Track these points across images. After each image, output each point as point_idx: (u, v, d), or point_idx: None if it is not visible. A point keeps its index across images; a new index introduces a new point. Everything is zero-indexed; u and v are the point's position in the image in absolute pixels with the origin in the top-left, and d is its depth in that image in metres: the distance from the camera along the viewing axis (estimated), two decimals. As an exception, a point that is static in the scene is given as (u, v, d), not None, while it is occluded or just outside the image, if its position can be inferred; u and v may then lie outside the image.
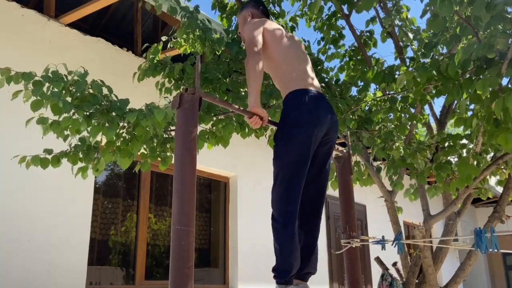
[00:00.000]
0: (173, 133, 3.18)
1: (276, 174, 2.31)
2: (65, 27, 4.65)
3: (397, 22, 3.93)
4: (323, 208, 2.51)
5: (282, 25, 4.08)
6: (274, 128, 3.08)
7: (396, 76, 3.32)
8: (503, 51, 2.67)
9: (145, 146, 3.11)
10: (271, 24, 2.59)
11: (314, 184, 2.44)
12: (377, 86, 3.85)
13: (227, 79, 3.56)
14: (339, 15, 3.99)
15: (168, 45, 3.89)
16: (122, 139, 2.93)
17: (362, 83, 3.75)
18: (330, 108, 2.45)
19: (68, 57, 4.48)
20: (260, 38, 2.44)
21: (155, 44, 3.69)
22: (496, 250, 1.94)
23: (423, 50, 3.72)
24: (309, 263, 2.39)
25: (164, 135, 3.16)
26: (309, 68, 2.56)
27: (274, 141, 2.37)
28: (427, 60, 3.56)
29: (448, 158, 3.56)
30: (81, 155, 3.00)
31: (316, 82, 2.53)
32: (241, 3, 3.93)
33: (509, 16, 2.54)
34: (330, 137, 2.43)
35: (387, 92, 3.57)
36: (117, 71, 4.86)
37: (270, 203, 2.29)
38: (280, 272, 2.21)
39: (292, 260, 2.20)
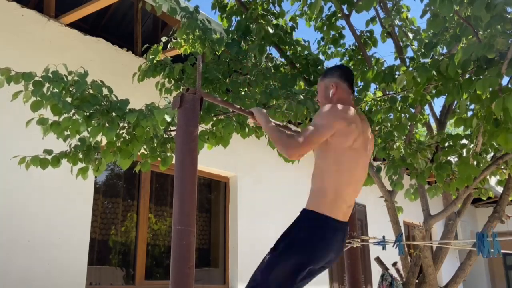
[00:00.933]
0: (173, 133, 3.18)
1: (259, 281, 2.06)
2: (65, 27, 4.65)
3: (397, 22, 3.93)
4: None
5: (282, 25, 4.08)
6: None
7: (396, 76, 3.31)
8: (503, 51, 2.67)
9: (145, 146, 3.11)
10: (351, 118, 2.20)
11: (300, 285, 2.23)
12: (377, 86, 3.85)
13: (227, 79, 3.56)
14: (339, 15, 3.99)
15: (169, 46, 3.89)
16: (122, 139, 2.93)
17: (362, 83, 3.74)
18: (344, 238, 2.22)
19: (68, 57, 4.48)
20: (323, 136, 2.13)
21: (156, 45, 3.70)
22: (497, 255, 1.95)
23: (423, 50, 3.72)
24: None
25: (164, 135, 3.16)
26: (359, 187, 2.26)
27: (274, 247, 2.14)
28: (427, 60, 3.56)
29: (448, 158, 3.56)
30: (81, 156, 3.00)
31: (350, 211, 2.23)
32: (241, 3, 3.93)
33: (509, 16, 2.54)
34: (331, 261, 2.23)
35: (387, 92, 3.57)
36: (117, 71, 4.86)
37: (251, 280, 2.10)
38: None
39: None
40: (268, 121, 2.27)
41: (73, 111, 2.64)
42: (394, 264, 4.41)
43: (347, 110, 2.22)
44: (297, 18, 4.22)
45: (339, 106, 2.23)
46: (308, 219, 2.12)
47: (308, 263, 2.08)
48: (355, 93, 2.38)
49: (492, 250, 1.85)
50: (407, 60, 3.88)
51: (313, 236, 2.08)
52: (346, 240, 2.20)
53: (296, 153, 2.08)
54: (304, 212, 2.14)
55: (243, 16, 3.89)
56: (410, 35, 4.00)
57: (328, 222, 2.09)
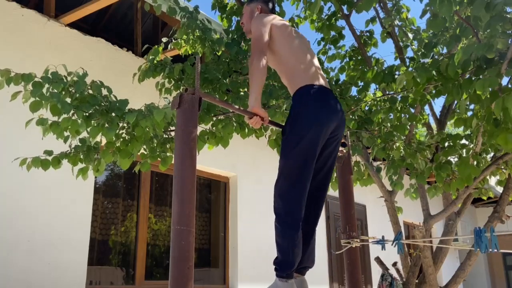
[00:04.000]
0: (173, 133, 3.18)
1: (282, 170, 2.30)
2: (65, 27, 4.65)
3: (397, 22, 3.93)
4: (324, 202, 2.52)
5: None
6: (275, 128, 3.08)
7: (396, 76, 3.32)
8: (503, 51, 2.67)
9: (145, 147, 3.11)
10: (279, 20, 2.57)
11: (317, 178, 2.44)
12: (377, 86, 3.85)
13: (227, 79, 3.56)
14: (339, 15, 3.99)
15: (169, 46, 3.90)
16: (121, 139, 2.93)
17: (362, 83, 3.75)
18: (339, 105, 2.43)
19: (68, 57, 4.48)
20: (267, 36, 2.43)
21: (156, 45, 3.70)
22: (496, 250, 1.95)
23: (423, 50, 3.72)
24: (306, 257, 2.38)
25: (164, 135, 3.16)
26: (316, 62, 2.55)
27: (283, 134, 2.36)
28: (427, 60, 3.56)
29: (448, 158, 3.56)
30: (81, 156, 3.00)
31: (323, 77, 2.51)
32: (241, 3, 3.93)
33: (509, 16, 2.54)
34: (337, 134, 2.42)
35: (387, 92, 3.57)
36: (117, 71, 4.86)
37: (273, 197, 2.28)
38: (282, 266, 2.21)
39: (295, 254, 2.20)
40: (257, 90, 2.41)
41: (72, 111, 2.63)
42: (394, 264, 4.41)
43: (273, 16, 2.58)
44: (302, 20, 4.22)
45: (264, 14, 2.63)
46: (298, 96, 2.36)
47: (317, 128, 2.26)
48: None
49: (490, 250, 1.85)
50: (407, 60, 3.88)
51: (309, 102, 2.31)
52: (342, 110, 2.42)
53: (259, 64, 2.30)
54: (293, 97, 2.40)
55: (243, 16, 3.89)
56: (410, 35, 3.99)
57: (313, 87, 2.35)
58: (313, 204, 2.45)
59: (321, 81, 2.43)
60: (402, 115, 3.73)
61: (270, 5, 2.82)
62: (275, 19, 2.57)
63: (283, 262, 2.21)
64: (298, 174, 2.25)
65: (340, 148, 2.80)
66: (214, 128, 3.35)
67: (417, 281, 3.99)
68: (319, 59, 4.09)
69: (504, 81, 2.94)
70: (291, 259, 2.20)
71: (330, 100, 2.36)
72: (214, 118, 3.30)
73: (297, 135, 2.26)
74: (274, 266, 2.25)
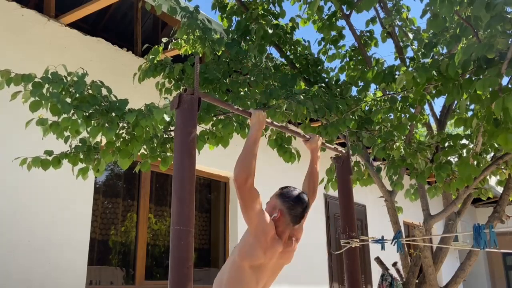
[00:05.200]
0: (172, 133, 3.18)
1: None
2: (65, 27, 4.65)
3: (397, 22, 3.93)
4: None
5: (283, 26, 4.07)
6: (275, 128, 3.08)
7: (396, 76, 3.31)
8: (503, 51, 2.67)
9: (145, 147, 3.11)
10: (273, 248, 2.23)
11: None
12: (377, 86, 3.86)
13: (227, 79, 3.55)
14: (339, 15, 3.99)
15: (169, 46, 3.89)
16: (121, 139, 2.93)
17: (362, 83, 3.75)
18: None
19: (68, 57, 4.48)
20: (253, 213, 2.21)
21: (156, 46, 3.69)
22: (494, 246, 1.95)
23: (423, 50, 3.72)
24: None
25: (164, 135, 3.16)
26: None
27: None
28: (427, 60, 3.56)
29: (448, 158, 3.56)
30: (81, 156, 2.99)
31: None
32: (241, 3, 3.93)
33: (509, 16, 2.54)
34: None
35: (387, 92, 3.57)
36: (117, 71, 4.86)
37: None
38: None
39: None
40: (258, 135, 2.23)
41: (72, 111, 2.63)
42: (394, 264, 4.41)
43: (274, 239, 2.23)
44: (305, 20, 4.21)
45: (274, 230, 2.24)
46: None
47: None
48: (306, 209, 2.34)
49: (488, 249, 1.86)
50: (407, 60, 3.88)
51: None
52: None
53: (241, 187, 2.16)
54: None
55: (243, 16, 3.89)
56: (410, 35, 3.99)
57: None
58: None
59: None
60: (402, 115, 3.73)
61: (295, 217, 2.31)
62: (274, 239, 2.23)
63: None
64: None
65: (340, 148, 2.79)
66: (214, 128, 3.35)
67: (417, 281, 3.99)
68: (320, 59, 4.09)
69: (504, 81, 2.92)
70: None
71: None
72: (214, 118, 3.30)
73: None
74: None
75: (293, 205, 2.30)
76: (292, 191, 2.34)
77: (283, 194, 2.35)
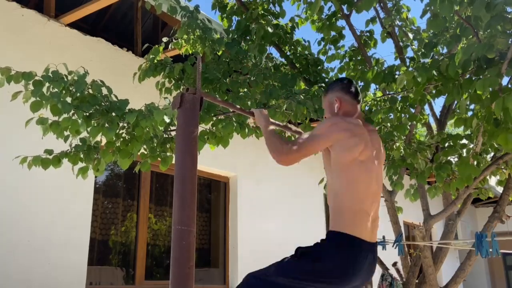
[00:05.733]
0: (173, 133, 3.18)
1: (267, 275, 1.99)
2: (65, 27, 4.65)
3: (397, 22, 3.93)
4: None
5: (282, 26, 4.07)
6: (275, 128, 3.07)
7: (396, 76, 3.31)
8: (503, 51, 2.67)
9: (145, 146, 3.11)
10: (353, 129, 2.11)
11: None
12: (377, 86, 3.85)
13: (227, 79, 3.56)
14: (339, 15, 3.99)
15: (169, 46, 3.89)
16: (122, 139, 2.93)
17: (362, 83, 3.74)
18: (374, 261, 2.08)
19: (68, 57, 4.48)
20: (320, 146, 2.07)
21: (156, 45, 3.69)
22: (496, 255, 1.95)
23: (423, 50, 3.72)
24: None
25: (164, 135, 3.16)
26: (377, 205, 2.14)
27: (297, 251, 2.01)
28: (427, 60, 3.56)
29: (448, 158, 3.56)
30: (81, 156, 3.00)
31: (375, 228, 2.11)
32: (241, 3, 3.93)
33: (509, 16, 2.54)
34: (358, 285, 2.07)
35: (387, 92, 3.57)
36: (117, 71, 4.86)
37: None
38: None
39: None
40: (268, 124, 2.21)
41: (72, 111, 2.63)
42: (394, 264, 4.41)
43: (350, 122, 2.13)
44: (303, 21, 4.21)
45: (341, 119, 2.15)
46: (333, 241, 1.99)
47: (335, 285, 1.95)
48: (361, 101, 2.32)
49: (491, 250, 1.85)
50: (407, 60, 3.88)
51: (342, 261, 1.95)
52: (374, 269, 2.06)
53: (286, 160, 2.00)
54: (330, 234, 2.02)
55: (243, 16, 3.89)
56: (410, 35, 3.99)
57: (355, 245, 1.97)
58: None
59: (370, 233, 2.06)
60: (402, 115, 3.73)
61: (352, 90, 2.28)
62: (350, 124, 2.12)
63: None
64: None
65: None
66: (214, 128, 3.35)
67: (417, 281, 3.99)
68: (319, 59, 4.09)
69: (504, 81, 2.92)
70: None
71: (366, 262, 2.00)
72: (214, 118, 3.30)
73: (306, 275, 1.95)
74: None
75: (343, 86, 2.29)
76: (332, 82, 2.37)
77: (329, 88, 2.35)
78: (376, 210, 2.13)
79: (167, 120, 2.66)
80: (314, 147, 2.05)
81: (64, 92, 2.63)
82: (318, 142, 2.06)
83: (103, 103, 2.74)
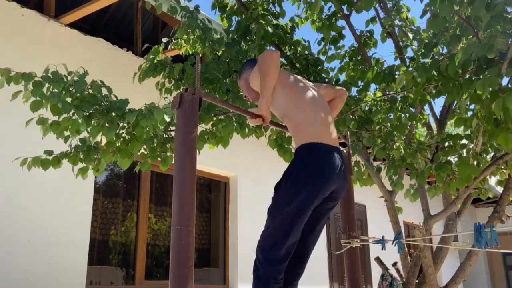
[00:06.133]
0: (173, 133, 3.18)
1: (267, 226, 2.17)
2: (65, 27, 4.65)
3: (397, 22, 3.93)
4: (308, 259, 2.36)
5: (282, 26, 4.08)
6: (275, 128, 3.08)
7: (396, 76, 3.31)
8: (503, 51, 2.67)
9: (145, 146, 3.11)
10: (281, 71, 2.40)
11: (306, 234, 2.28)
12: (377, 86, 3.85)
13: (227, 79, 3.56)
14: (339, 15, 3.98)
15: (169, 46, 3.89)
16: (122, 139, 2.93)
17: (362, 83, 3.74)
18: (343, 164, 2.26)
19: (68, 57, 4.48)
20: (276, 74, 2.30)
21: (156, 45, 3.69)
22: (495, 245, 1.95)
23: (423, 50, 3.72)
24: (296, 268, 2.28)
25: (164, 135, 3.16)
26: (325, 116, 2.35)
27: (275, 189, 2.21)
28: (427, 60, 3.56)
29: (448, 158, 3.56)
30: (81, 156, 2.99)
31: (333, 133, 2.33)
32: (241, 3, 3.93)
33: (509, 16, 2.54)
34: (337, 195, 2.28)
35: (387, 92, 3.57)
36: (117, 71, 4.86)
37: (257, 246, 2.16)
38: None
39: None
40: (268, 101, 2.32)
41: (72, 111, 2.63)
42: (394, 264, 4.41)
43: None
44: (303, 20, 4.21)
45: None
46: (299, 153, 2.21)
47: (313, 191, 2.12)
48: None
49: (489, 249, 1.86)
50: (407, 60, 3.87)
51: (311, 161, 2.16)
52: (345, 171, 2.28)
53: (273, 66, 2.24)
54: (295, 153, 2.25)
55: (243, 16, 3.89)
56: (410, 35, 3.99)
57: (318, 147, 2.19)
58: (297, 261, 2.30)
59: (328, 138, 2.26)
60: (402, 115, 3.73)
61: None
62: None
63: None
64: (284, 235, 2.11)
65: (341, 148, 2.79)
66: (214, 128, 3.35)
67: (417, 281, 3.99)
68: (319, 59, 4.09)
69: (504, 81, 2.93)
70: None
71: (334, 161, 2.19)
72: (214, 118, 3.30)
73: (290, 196, 2.12)
74: None
75: (248, 63, 2.62)
76: (241, 68, 2.66)
77: (241, 72, 2.63)
78: (326, 116, 2.36)
79: (167, 119, 2.66)
80: (276, 64, 2.27)
81: (64, 92, 2.63)
82: (274, 65, 2.28)
83: (103, 103, 2.74)
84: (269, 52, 2.26)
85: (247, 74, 2.56)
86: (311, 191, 2.12)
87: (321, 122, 2.29)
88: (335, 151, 2.24)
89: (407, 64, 3.79)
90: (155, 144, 3.12)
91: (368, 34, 4.16)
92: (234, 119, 3.34)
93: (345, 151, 2.87)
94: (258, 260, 2.15)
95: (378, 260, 4.50)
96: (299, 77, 2.47)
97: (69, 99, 2.67)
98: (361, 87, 3.75)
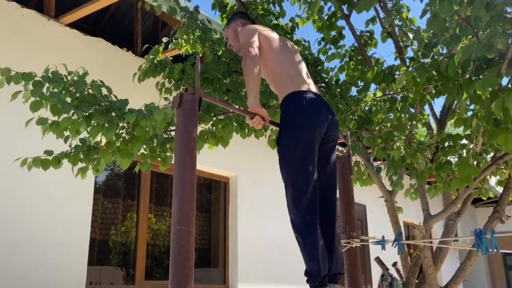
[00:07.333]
0: (173, 133, 3.18)
1: (285, 179, 2.32)
2: (65, 27, 4.65)
3: (397, 22, 3.93)
4: (335, 208, 2.47)
5: (282, 26, 4.08)
6: (275, 128, 3.08)
7: (396, 76, 3.31)
8: (503, 51, 2.67)
9: (145, 146, 3.11)
10: (264, 28, 2.62)
11: (321, 183, 2.41)
12: (377, 86, 3.85)
13: (227, 79, 3.56)
14: (339, 15, 3.98)
15: (169, 46, 3.89)
16: (121, 139, 2.93)
17: (362, 83, 3.74)
18: (329, 108, 2.46)
19: (68, 57, 4.48)
20: (256, 41, 2.47)
21: (156, 45, 3.69)
22: (496, 251, 1.95)
23: (423, 50, 3.72)
24: (333, 264, 2.33)
25: (164, 135, 3.16)
26: (304, 70, 2.57)
27: (278, 145, 2.37)
28: (427, 60, 3.56)
29: (448, 158, 3.56)
30: (81, 156, 2.99)
31: (312, 84, 2.53)
32: (241, 3, 3.93)
33: (509, 16, 2.54)
34: (331, 135, 2.43)
35: (387, 92, 3.57)
36: (117, 71, 4.86)
37: (287, 207, 2.29)
38: (312, 275, 2.19)
39: (321, 260, 2.18)
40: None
41: (72, 111, 2.63)
42: (394, 264, 4.41)
43: (257, 25, 2.67)
44: (304, 20, 4.21)
45: (249, 26, 2.65)
46: (285, 104, 2.40)
47: (308, 130, 2.28)
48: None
49: (490, 250, 1.85)
50: (407, 60, 3.87)
51: (298, 107, 2.34)
52: (332, 114, 2.46)
53: (252, 64, 2.33)
54: (281, 104, 2.43)
55: (243, 16, 3.89)
56: (410, 35, 3.99)
57: (300, 94, 2.38)
58: (323, 212, 2.39)
59: (308, 87, 2.45)
60: (402, 115, 3.73)
61: (249, 19, 2.87)
62: (260, 27, 2.63)
63: (312, 270, 2.18)
64: (303, 178, 2.25)
65: (340, 148, 2.79)
66: (214, 128, 3.35)
67: (417, 281, 3.99)
68: (319, 59, 4.09)
69: (504, 81, 2.93)
70: (319, 265, 2.17)
71: (318, 104, 2.38)
72: (214, 118, 3.30)
73: (291, 142, 2.28)
74: (305, 278, 2.22)
75: (240, 15, 2.87)
76: (229, 18, 2.91)
77: (228, 22, 2.86)
78: (302, 68, 2.57)
79: (167, 119, 2.66)
80: (254, 45, 2.42)
81: (64, 92, 2.63)
82: (254, 40, 2.46)
83: (103, 103, 2.74)
84: (247, 59, 2.36)
85: (237, 24, 2.79)
86: (309, 129, 2.29)
87: (302, 74, 2.52)
88: (318, 96, 2.45)
89: (407, 64, 3.79)
90: (155, 144, 3.12)
91: (368, 34, 4.16)
92: (234, 119, 3.34)
93: (345, 151, 2.87)
94: (293, 217, 2.25)
95: (378, 260, 4.50)
96: (275, 35, 2.62)
97: (69, 99, 2.67)
98: (361, 87, 3.75)
